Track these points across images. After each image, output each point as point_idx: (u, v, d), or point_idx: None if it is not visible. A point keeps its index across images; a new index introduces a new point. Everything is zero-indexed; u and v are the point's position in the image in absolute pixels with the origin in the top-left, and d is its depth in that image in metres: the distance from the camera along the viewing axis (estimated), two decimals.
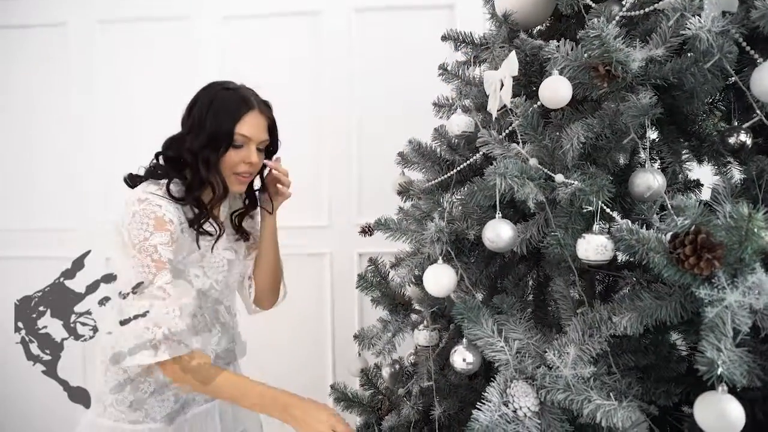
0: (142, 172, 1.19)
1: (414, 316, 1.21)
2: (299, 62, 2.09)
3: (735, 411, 0.64)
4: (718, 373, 0.63)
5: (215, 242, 1.21)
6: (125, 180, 1.18)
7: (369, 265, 1.26)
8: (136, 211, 1.07)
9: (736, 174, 0.98)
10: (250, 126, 1.14)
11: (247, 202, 1.31)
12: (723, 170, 1.00)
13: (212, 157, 1.12)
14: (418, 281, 1.09)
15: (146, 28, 2.13)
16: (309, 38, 2.08)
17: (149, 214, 1.07)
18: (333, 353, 2.06)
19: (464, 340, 0.97)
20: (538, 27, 1.18)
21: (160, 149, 1.19)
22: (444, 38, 1.20)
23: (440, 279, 0.95)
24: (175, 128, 2.02)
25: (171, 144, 1.17)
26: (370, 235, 1.21)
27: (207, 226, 1.17)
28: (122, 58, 2.14)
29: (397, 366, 1.26)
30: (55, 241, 2.17)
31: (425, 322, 1.15)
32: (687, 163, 1.01)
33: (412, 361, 1.32)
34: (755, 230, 0.63)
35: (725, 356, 0.64)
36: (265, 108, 1.19)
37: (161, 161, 1.18)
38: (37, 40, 2.15)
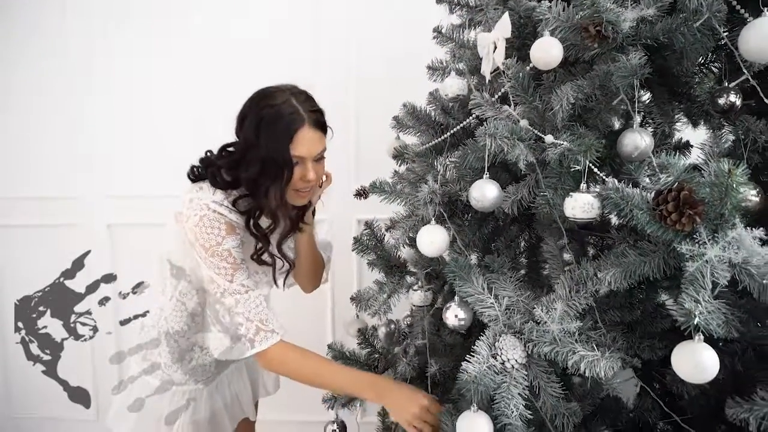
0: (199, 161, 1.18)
1: (409, 278, 1.24)
2: (296, 29, 2.07)
3: (709, 359, 0.67)
4: (695, 323, 0.66)
5: (286, 277, 1.25)
6: (188, 174, 1.17)
7: (365, 229, 1.28)
8: (205, 216, 1.08)
9: (731, 136, 0.99)
10: (302, 145, 1.08)
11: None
12: (717, 132, 1.01)
13: (274, 188, 1.08)
14: (412, 243, 1.12)
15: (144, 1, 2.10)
16: (303, 4, 2.06)
17: (219, 219, 1.08)
18: (333, 315, 2.11)
19: (456, 297, 1.00)
20: None
21: (215, 153, 1.16)
22: (439, 0, 1.19)
23: (433, 239, 0.97)
24: (175, 96, 2.06)
25: (228, 166, 1.12)
26: (365, 197, 1.22)
27: (266, 257, 1.18)
28: (122, 31, 2.12)
29: (393, 326, 1.30)
30: (55, 210, 2.19)
31: (420, 282, 1.18)
32: (682, 124, 1.02)
33: (408, 322, 1.36)
34: (734, 186, 0.65)
35: (703, 307, 0.66)
36: (315, 115, 1.11)
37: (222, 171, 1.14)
38: (35, 8, 2.13)
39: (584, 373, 0.77)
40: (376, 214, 1.34)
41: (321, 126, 1.12)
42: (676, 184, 0.71)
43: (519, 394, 0.80)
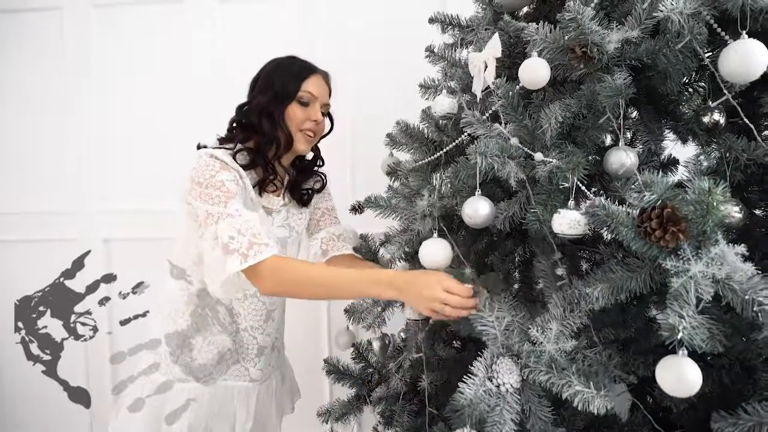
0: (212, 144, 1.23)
1: None
2: (292, 45, 2.09)
3: (692, 373, 0.68)
4: (678, 337, 0.67)
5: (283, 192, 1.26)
6: (197, 148, 1.20)
7: (360, 242, 1.29)
8: (201, 159, 1.11)
9: (716, 153, 1.01)
10: (315, 86, 1.21)
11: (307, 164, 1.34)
12: (706, 149, 1.03)
13: (276, 111, 1.17)
14: (408, 258, 1.13)
15: (140, 11, 2.13)
16: (301, 22, 2.09)
17: (215, 161, 1.11)
18: (329, 328, 2.11)
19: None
20: (525, 9, 1.20)
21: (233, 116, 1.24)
22: (431, 21, 1.22)
23: (436, 252, 0.98)
24: (171, 109, 2.09)
25: (239, 109, 1.23)
26: (361, 212, 1.24)
27: (270, 186, 1.22)
28: (117, 42, 2.15)
29: (387, 340, 1.30)
30: (54, 225, 2.20)
31: None
32: (671, 141, 1.04)
33: (402, 336, 1.37)
34: (715, 203, 0.66)
35: (686, 322, 0.68)
36: (326, 76, 1.26)
37: (233, 130, 1.23)
38: (32, 25, 2.16)
39: (578, 407, 0.76)
40: (371, 228, 1.36)
41: (329, 85, 1.26)
42: (660, 201, 0.72)
43: (511, 419, 0.81)
